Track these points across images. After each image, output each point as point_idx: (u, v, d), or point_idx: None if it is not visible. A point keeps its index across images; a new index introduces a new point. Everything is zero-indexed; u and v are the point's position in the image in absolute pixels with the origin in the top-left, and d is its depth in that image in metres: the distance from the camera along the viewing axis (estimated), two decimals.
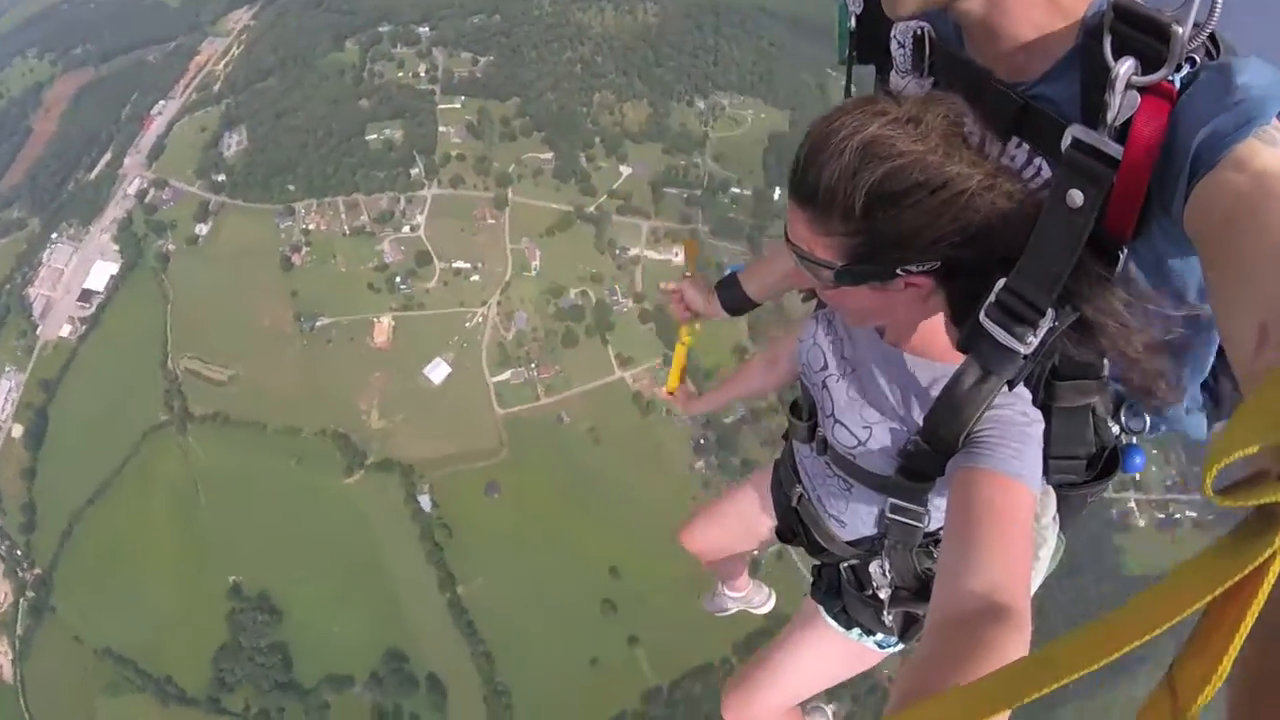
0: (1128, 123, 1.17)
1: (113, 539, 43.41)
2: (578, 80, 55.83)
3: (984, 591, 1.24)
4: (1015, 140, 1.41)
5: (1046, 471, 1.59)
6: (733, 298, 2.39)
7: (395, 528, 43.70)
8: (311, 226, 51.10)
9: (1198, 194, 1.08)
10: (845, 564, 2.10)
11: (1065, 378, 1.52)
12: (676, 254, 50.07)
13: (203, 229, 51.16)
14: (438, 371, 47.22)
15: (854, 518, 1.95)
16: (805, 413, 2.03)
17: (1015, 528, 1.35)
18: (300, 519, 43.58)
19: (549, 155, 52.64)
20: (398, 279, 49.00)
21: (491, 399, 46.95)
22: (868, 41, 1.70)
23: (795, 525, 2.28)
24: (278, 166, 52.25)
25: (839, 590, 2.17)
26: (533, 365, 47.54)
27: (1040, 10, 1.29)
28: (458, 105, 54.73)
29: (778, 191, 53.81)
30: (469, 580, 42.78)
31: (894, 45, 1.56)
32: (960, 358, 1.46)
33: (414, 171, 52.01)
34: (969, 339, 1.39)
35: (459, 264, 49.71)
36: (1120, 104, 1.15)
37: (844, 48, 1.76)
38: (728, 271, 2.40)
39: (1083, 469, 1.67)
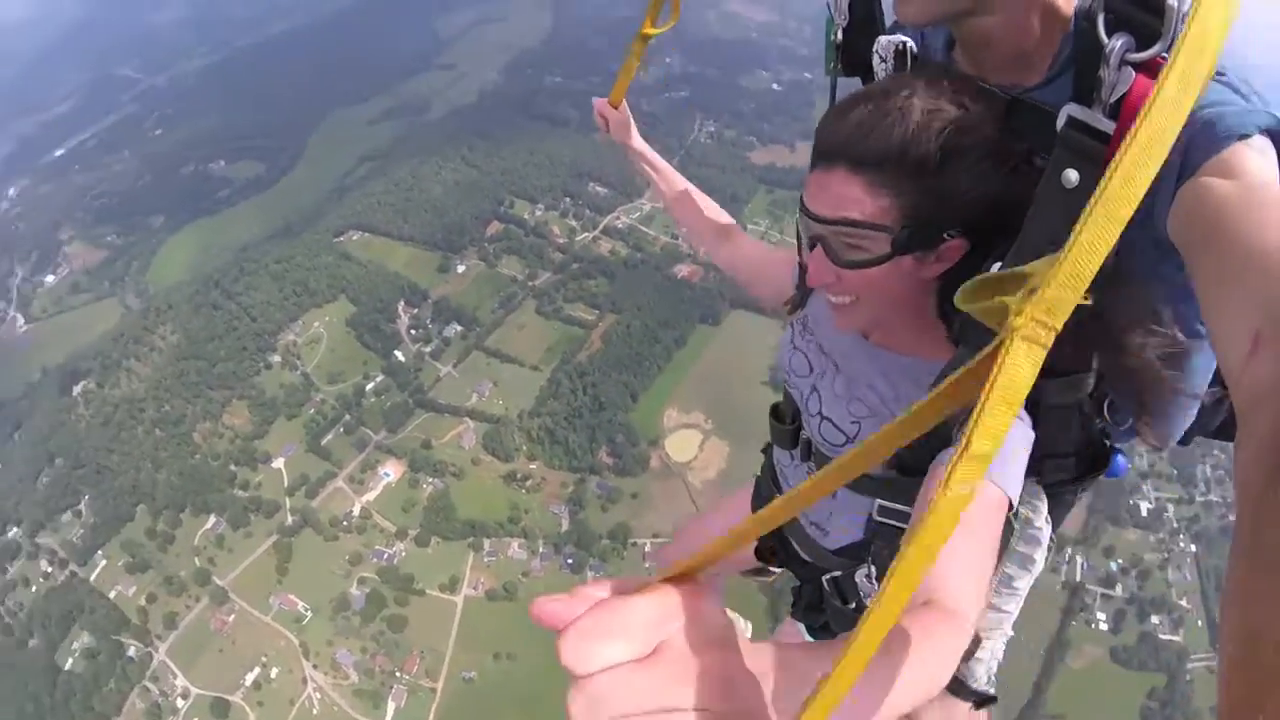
0: (1122, 101, 1.24)
1: None
2: (170, 441, 54.49)
3: (933, 588, 1.28)
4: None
5: (1040, 472, 1.71)
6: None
7: None
8: None
9: (1183, 196, 1.15)
10: (827, 577, 2.09)
11: (1055, 374, 1.55)
12: (386, 475, 51.07)
13: None
14: None
15: (838, 525, 1.99)
16: (789, 417, 2.09)
17: (978, 530, 1.39)
18: None
19: (212, 520, 50.80)
20: None
21: None
22: (852, 55, 1.84)
23: (774, 541, 2.30)
24: None
25: (821, 606, 2.18)
26: (397, 674, 45.64)
27: (1042, 23, 1.44)
28: (103, 563, 51.54)
29: (398, 354, 56.38)
30: None
31: (875, 59, 1.70)
32: (947, 354, 1.55)
33: (131, 653, 47.96)
34: (965, 325, 1.48)
35: (249, 677, 46.48)
36: (1114, 79, 1.22)
37: (830, 60, 1.89)
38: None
39: (1072, 466, 1.74)
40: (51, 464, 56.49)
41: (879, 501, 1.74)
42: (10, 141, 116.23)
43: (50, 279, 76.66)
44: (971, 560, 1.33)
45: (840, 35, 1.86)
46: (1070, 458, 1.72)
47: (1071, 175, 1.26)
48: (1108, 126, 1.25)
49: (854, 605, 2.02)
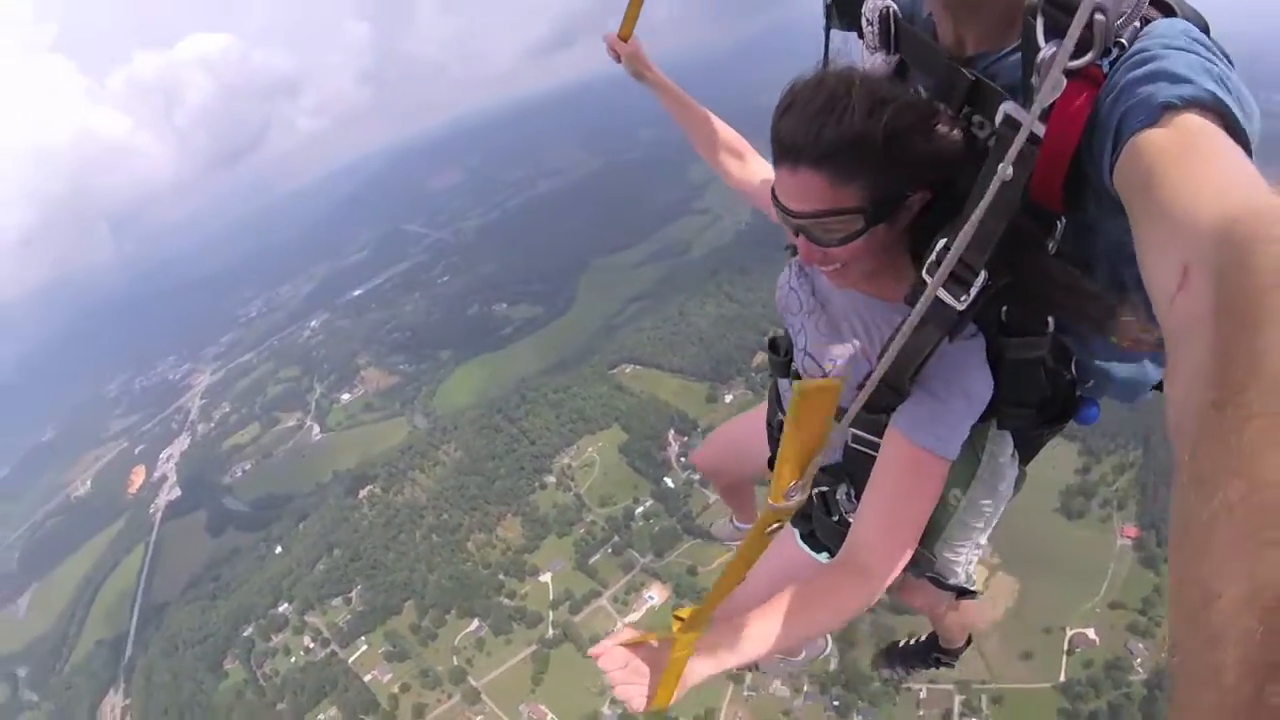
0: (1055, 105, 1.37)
1: None
2: (444, 547, 61.62)
3: (854, 545, 1.94)
4: (967, 110, 1.70)
5: (1000, 418, 2.03)
6: None
7: None
8: None
9: (1124, 153, 1.25)
10: (815, 490, 2.41)
11: (1013, 334, 1.82)
12: (650, 598, 53.89)
13: None
14: None
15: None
16: (783, 349, 2.44)
17: (905, 493, 1.92)
18: None
19: (475, 623, 55.81)
20: None
21: None
22: (848, 11, 2.01)
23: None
24: None
25: (809, 516, 2.56)
26: None
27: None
28: (364, 648, 57.59)
29: (668, 480, 61.50)
30: None
31: (864, 23, 1.88)
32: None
33: None
34: (913, 292, 1.71)
35: None
36: (1047, 87, 1.28)
37: (826, 16, 2.09)
38: None
39: (1033, 415, 2.01)
40: (330, 554, 65.73)
41: (852, 430, 2.14)
42: (312, 283, 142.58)
43: (346, 397, 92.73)
44: (896, 520, 1.94)
45: None
46: (1031, 406, 1.98)
47: (1007, 170, 1.36)
48: (1039, 129, 1.39)
49: (836, 519, 2.42)
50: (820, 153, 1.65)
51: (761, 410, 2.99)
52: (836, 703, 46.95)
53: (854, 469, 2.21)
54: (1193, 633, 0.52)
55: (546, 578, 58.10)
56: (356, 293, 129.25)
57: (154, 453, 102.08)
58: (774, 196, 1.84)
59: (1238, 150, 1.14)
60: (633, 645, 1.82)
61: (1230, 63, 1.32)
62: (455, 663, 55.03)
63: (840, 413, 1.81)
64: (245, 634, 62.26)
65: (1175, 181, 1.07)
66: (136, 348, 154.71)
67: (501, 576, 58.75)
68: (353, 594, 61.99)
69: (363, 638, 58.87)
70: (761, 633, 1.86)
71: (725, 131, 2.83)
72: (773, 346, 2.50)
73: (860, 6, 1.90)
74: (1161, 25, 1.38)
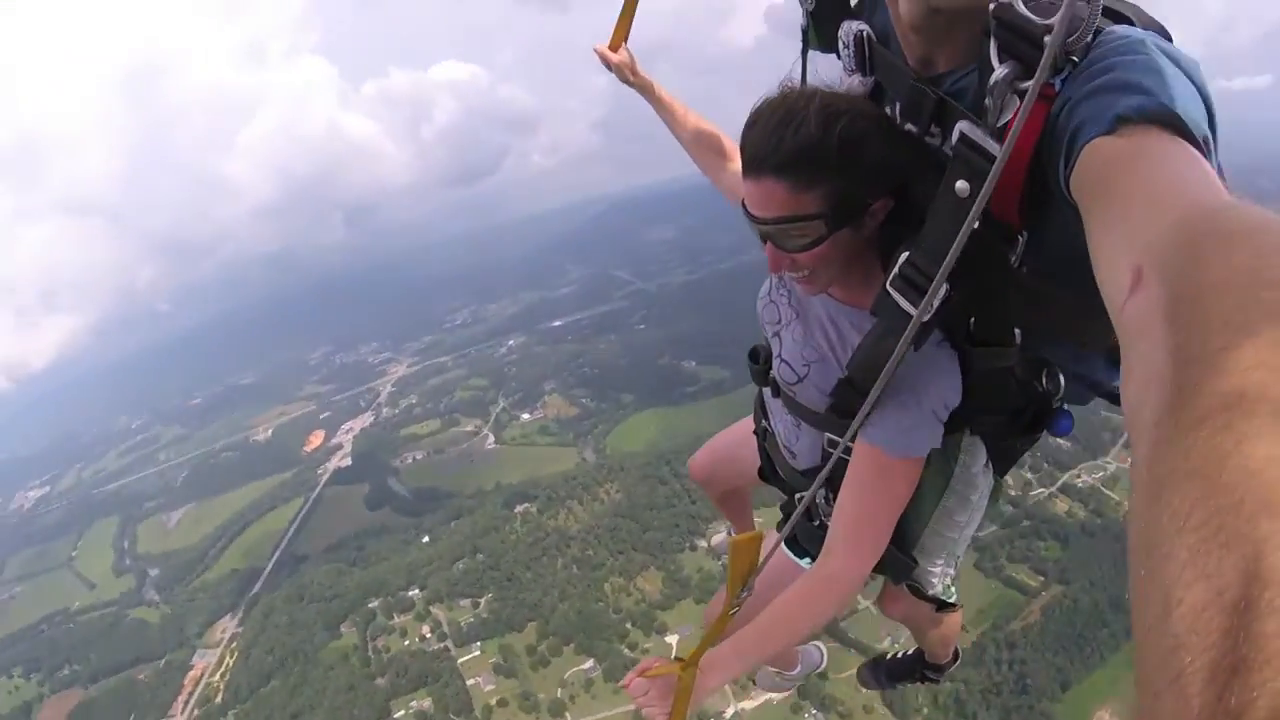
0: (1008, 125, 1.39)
1: None
2: (581, 581, 63.06)
3: (826, 549, 2.16)
4: (936, 128, 1.78)
5: (971, 425, 2.16)
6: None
7: None
8: None
9: (1079, 162, 1.28)
10: (798, 495, 2.60)
11: (981, 344, 1.92)
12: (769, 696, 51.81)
13: None
14: None
15: (803, 449, 2.46)
16: (762, 358, 2.58)
17: (870, 497, 2.11)
18: None
19: (590, 663, 56.20)
20: None
21: None
22: (825, 34, 2.13)
23: (766, 461, 2.87)
24: None
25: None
26: None
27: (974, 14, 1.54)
28: (477, 653, 59.26)
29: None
30: None
31: (840, 45, 1.99)
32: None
33: None
34: (878, 303, 1.81)
35: None
36: (999, 106, 1.39)
37: (804, 38, 2.22)
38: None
39: (1003, 423, 2.16)
40: (472, 556, 69.36)
41: (827, 435, 2.30)
42: (517, 305, 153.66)
43: (526, 416, 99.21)
44: (861, 523, 2.14)
45: (806, 18, 2.19)
46: (1002, 414, 2.13)
47: (963, 186, 1.49)
48: (993, 149, 1.45)
49: (816, 523, 2.59)
50: (779, 162, 1.81)
51: (748, 422, 3.16)
52: None
53: (831, 472, 2.23)
54: (1154, 642, 0.51)
55: (673, 639, 57.78)
56: (556, 323, 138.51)
57: (336, 422, 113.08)
58: (744, 206, 1.99)
59: (1191, 152, 1.17)
60: (654, 676, 2.33)
61: (1193, 64, 1.36)
62: (559, 695, 55.87)
63: (817, 416, 2.33)
64: (370, 605, 66.37)
65: (1128, 186, 1.11)
66: (345, 326, 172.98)
67: (629, 625, 59.43)
68: (482, 600, 64.86)
69: (478, 643, 61.12)
70: (751, 646, 2.25)
71: (714, 135, 2.97)
72: (753, 356, 2.65)
73: (837, 30, 2.02)
74: (1115, 33, 1.43)
